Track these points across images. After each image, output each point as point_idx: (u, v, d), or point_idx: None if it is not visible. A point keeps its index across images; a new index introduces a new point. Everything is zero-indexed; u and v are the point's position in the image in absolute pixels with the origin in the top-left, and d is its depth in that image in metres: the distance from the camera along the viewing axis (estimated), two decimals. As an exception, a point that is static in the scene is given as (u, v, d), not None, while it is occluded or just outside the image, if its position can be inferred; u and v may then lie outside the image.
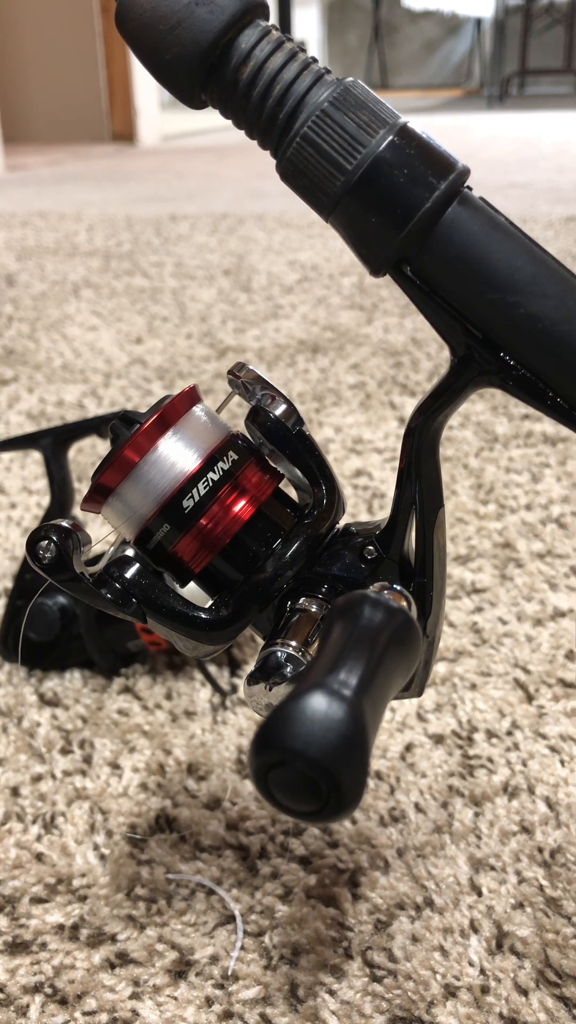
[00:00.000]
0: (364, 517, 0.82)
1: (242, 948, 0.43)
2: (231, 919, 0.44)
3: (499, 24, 6.21)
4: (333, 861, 0.47)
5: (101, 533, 0.47)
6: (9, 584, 0.71)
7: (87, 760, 0.55)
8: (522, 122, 4.68)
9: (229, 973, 0.42)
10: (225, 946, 0.43)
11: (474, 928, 0.43)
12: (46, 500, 0.83)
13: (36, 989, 0.41)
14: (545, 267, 0.31)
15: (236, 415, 0.91)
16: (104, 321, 1.44)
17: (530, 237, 0.32)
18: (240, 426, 0.38)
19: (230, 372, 0.38)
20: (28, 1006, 0.41)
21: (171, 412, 0.36)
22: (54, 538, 0.35)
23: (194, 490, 0.35)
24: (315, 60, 0.33)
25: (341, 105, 0.31)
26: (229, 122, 0.34)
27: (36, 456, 0.94)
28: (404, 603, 0.34)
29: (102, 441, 0.84)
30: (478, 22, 6.76)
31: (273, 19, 0.33)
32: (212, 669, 0.62)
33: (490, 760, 0.53)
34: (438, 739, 0.55)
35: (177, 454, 0.36)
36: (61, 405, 1.11)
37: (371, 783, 0.52)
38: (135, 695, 0.60)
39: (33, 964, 0.42)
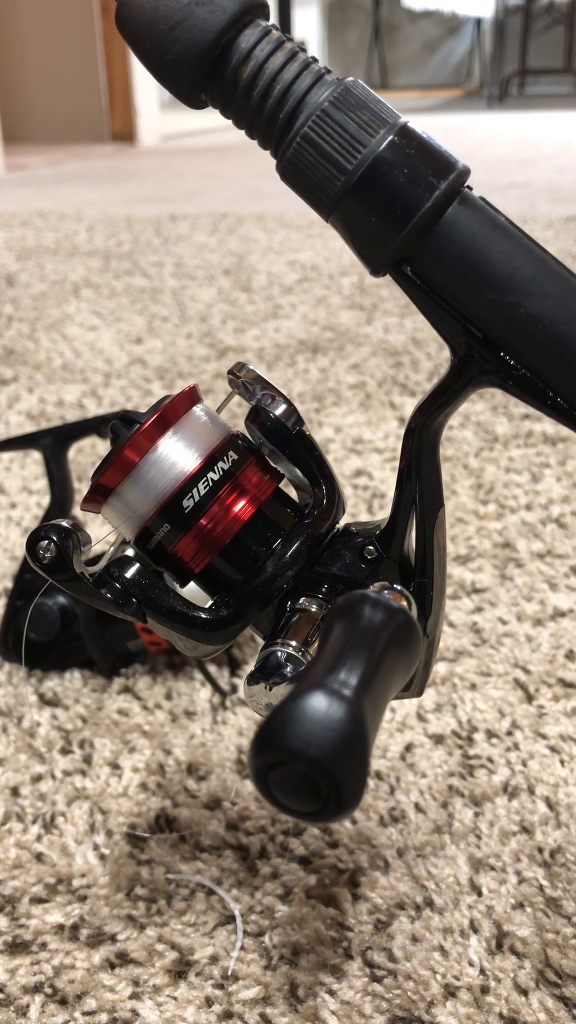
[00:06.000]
0: (364, 517, 0.82)
1: (242, 948, 0.43)
2: (231, 919, 0.44)
3: (499, 24, 6.21)
4: (333, 861, 0.47)
5: (101, 533, 0.47)
6: (9, 584, 0.71)
7: (87, 760, 0.55)
8: (522, 122, 4.68)
9: (229, 973, 0.42)
10: (225, 946, 0.43)
11: (474, 928, 0.43)
12: (46, 500, 0.83)
13: (36, 989, 0.41)
14: (545, 267, 0.31)
15: (236, 415, 0.91)
16: (104, 321, 1.44)
17: (530, 237, 0.32)
18: (240, 426, 0.38)
19: (230, 372, 0.38)
20: (28, 1006, 0.41)
21: (171, 412, 0.36)
22: (54, 538, 0.35)
23: (194, 490, 0.35)
24: (315, 60, 0.33)
25: (341, 105, 0.31)
26: (229, 122, 0.34)
27: (36, 456, 0.94)
28: (404, 603, 0.34)
29: (102, 441, 0.84)
30: (478, 22, 6.76)
31: (273, 19, 0.33)
32: (212, 669, 0.62)
33: (490, 760, 0.53)
34: (438, 739, 0.55)
35: (177, 454, 0.36)
36: (61, 405, 1.11)
37: (371, 783, 0.52)
38: (135, 695, 0.60)
39: (33, 964, 0.42)
